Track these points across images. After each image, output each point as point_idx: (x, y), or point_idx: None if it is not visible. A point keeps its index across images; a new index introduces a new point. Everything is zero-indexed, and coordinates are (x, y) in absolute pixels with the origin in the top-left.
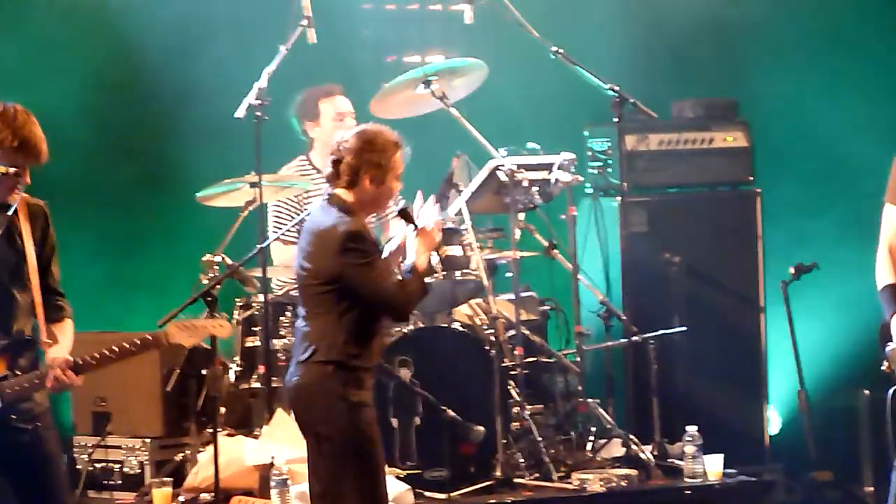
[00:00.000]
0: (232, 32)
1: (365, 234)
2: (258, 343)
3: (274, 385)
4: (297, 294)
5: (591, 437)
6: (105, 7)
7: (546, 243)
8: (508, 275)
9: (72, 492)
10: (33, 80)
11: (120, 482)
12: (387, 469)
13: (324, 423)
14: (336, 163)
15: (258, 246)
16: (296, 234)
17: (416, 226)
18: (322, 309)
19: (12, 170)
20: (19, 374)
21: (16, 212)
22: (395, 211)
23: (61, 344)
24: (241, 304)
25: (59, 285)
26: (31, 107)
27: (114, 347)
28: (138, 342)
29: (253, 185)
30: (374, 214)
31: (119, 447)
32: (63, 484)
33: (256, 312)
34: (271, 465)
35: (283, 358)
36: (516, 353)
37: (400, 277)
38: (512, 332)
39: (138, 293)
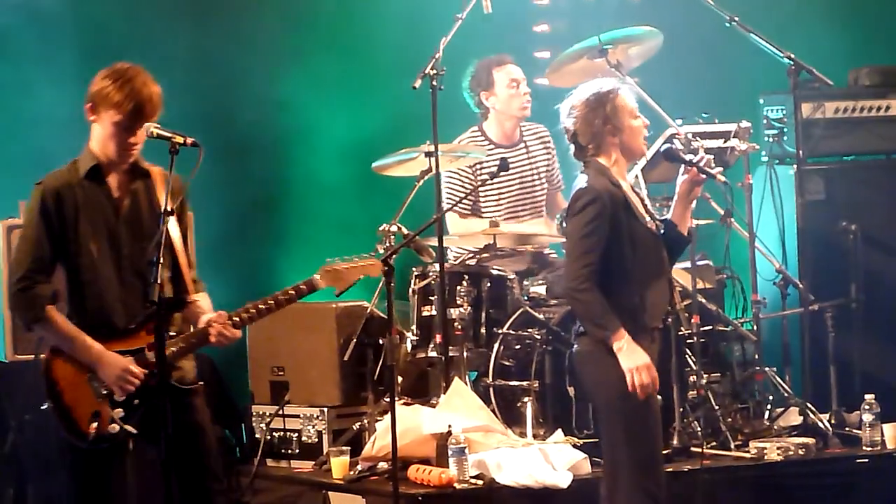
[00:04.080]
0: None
1: (595, 194)
2: (434, 312)
3: (451, 354)
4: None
5: (769, 406)
6: None
7: (722, 211)
8: None
9: (219, 460)
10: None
11: (298, 451)
12: (564, 438)
13: (597, 391)
14: (573, 137)
15: (435, 216)
16: (469, 205)
17: (686, 162)
18: None
19: (189, 140)
20: (172, 336)
21: (155, 180)
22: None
23: (208, 310)
24: (417, 273)
25: (194, 258)
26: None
27: (268, 300)
28: (291, 291)
29: (428, 154)
30: (636, 160)
31: (297, 416)
32: (212, 450)
33: (433, 282)
34: (449, 433)
35: (460, 327)
36: (693, 321)
37: (591, 289)
38: (688, 301)
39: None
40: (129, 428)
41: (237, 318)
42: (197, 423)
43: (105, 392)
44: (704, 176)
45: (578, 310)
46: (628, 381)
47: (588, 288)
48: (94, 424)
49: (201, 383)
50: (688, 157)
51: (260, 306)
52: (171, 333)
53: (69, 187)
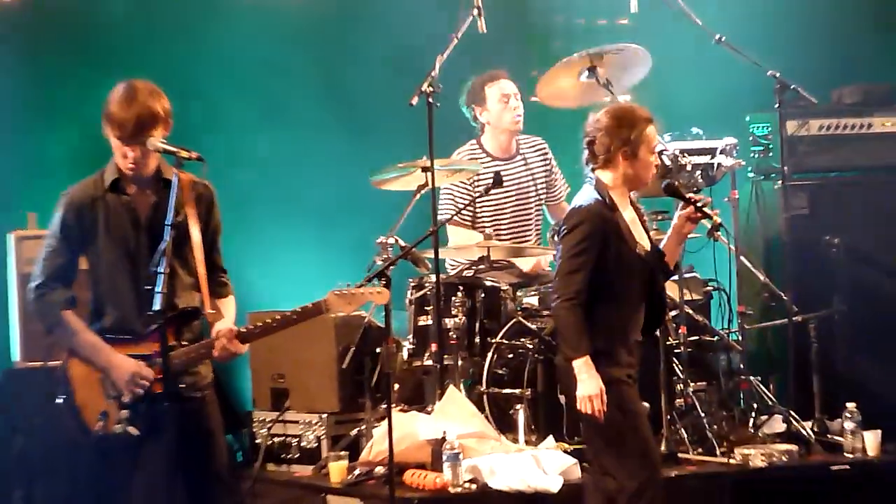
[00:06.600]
0: (405, 20)
1: (587, 216)
2: (430, 322)
3: (446, 362)
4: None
5: (753, 414)
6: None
7: (709, 225)
8: None
9: (228, 466)
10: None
11: (297, 456)
12: (555, 444)
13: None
14: (590, 143)
15: (431, 228)
16: (468, 217)
17: (685, 200)
18: None
19: (194, 154)
20: (185, 344)
21: (180, 189)
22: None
23: (226, 317)
24: (413, 284)
25: (222, 263)
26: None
27: (276, 317)
28: (300, 310)
29: (425, 169)
30: (637, 190)
31: (297, 422)
32: (223, 456)
33: (429, 293)
34: (443, 439)
35: (455, 336)
36: (680, 332)
37: (571, 301)
38: (676, 312)
39: (315, 274)
40: (131, 430)
41: (245, 332)
42: (208, 426)
43: (115, 393)
44: (700, 215)
45: (557, 324)
46: (579, 405)
47: (570, 307)
48: (101, 423)
49: (208, 392)
50: (688, 195)
51: (268, 322)
52: (184, 342)
53: (91, 199)
